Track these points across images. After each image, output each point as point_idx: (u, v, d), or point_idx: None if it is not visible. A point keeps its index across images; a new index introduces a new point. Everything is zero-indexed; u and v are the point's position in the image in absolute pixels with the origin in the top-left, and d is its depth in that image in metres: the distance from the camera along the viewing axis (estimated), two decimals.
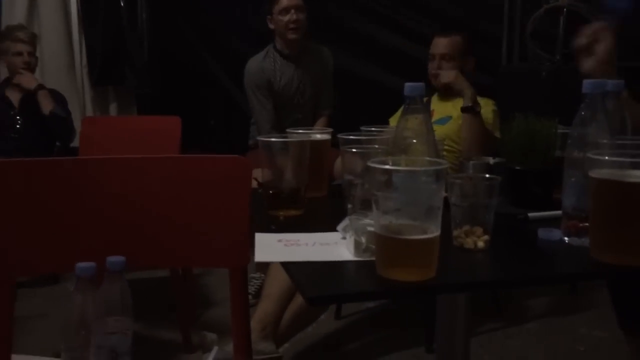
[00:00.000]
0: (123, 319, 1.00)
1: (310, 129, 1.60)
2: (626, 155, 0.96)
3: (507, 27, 3.31)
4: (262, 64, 2.69)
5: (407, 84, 1.09)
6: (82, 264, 0.99)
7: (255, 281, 2.65)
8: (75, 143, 2.77)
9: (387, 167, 0.88)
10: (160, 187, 1.20)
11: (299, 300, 2.09)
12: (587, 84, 1.05)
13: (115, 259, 1.00)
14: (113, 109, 3.52)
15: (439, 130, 2.14)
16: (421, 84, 1.10)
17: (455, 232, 1.04)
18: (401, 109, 2.37)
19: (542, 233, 1.08)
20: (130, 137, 2.41)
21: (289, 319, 2.08)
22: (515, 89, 3.09)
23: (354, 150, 1.21)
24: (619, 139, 1.11)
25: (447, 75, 2.29)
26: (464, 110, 2.21)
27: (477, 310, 2.05)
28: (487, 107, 2.30)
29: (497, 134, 2.24)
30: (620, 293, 1.52)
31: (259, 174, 1.45)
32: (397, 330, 2.45)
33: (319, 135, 1.47)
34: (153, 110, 3.51)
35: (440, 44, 2.35)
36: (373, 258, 0.93)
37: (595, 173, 0.95)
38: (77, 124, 2.86)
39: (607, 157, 0.93)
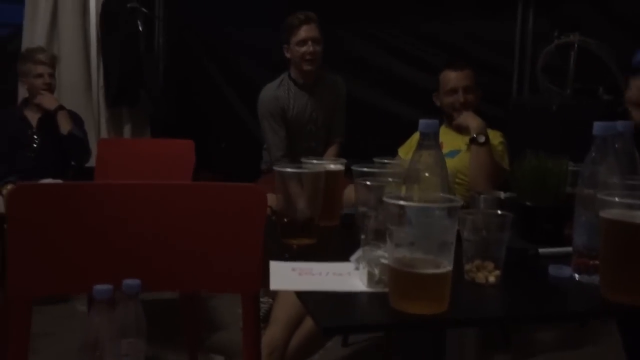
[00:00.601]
0: (136, 342, 1.01)
1: (323, 160, 1.63)
2: (636, 197, 0.98)
3: (519, 60, 3.36)
4: (276, 92, 2.73)
5: (422, 121, 1.12)
6: (99, 286, 1.01)
7: (263, 305, 2.65)
8: (91, 163, 2.81)
9: (402, 203, 0.91)
10: (176, 213, 1.23)
11: (307, 325, 2.10)
12: (597, 127, 1.08)
13: (131, 282, 1.03)
14: (127, 130, 3.57)
15: (449, 164, 2.13)
16: (435, 121, 1.12)
17: (467, 267, 1.06)
18: (410, 139, 2.39)
19: (553, 270, 1.10)
20: (144, 159, 2.45)
21: (296, 345, 2.08)
22: (525, 122, 3.11)
23: (367, 183, 1.23)
24: (630, 179, 1.13)
25: (465, 118, 2.31)
26: (470, 141, 2.23)
27: (486, 343, 2.05)
28: (495, 140, 2.32)
29: (505, 166, 2.26)
30: (630, 333, 1.52)
31: (272, 199, 1.48)
32: None
33: (333, 165, 1.50)
34: (166, 132, 3.56)
35: (460, 77, 2.37)
36: (386, 290, 0.95)
37: (606, 213, 0.97)
38: (93, 145, 2.90)
39: (617, 199, 0.95)
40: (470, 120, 2.26)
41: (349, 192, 1.56)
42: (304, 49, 2.62)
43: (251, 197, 1.23)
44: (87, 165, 2.94)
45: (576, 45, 3.05)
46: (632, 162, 1.25)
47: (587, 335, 2.67)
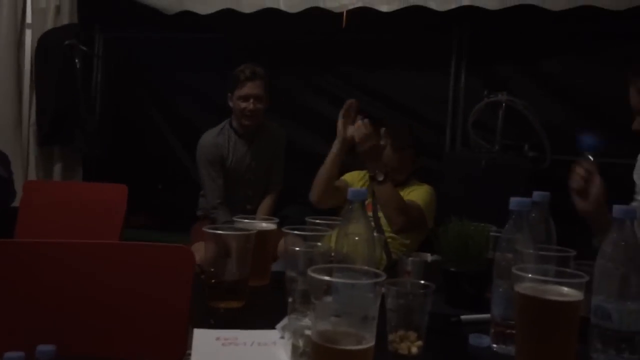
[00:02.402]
0: None
1: (255, 218, 1.63)
2: (548, 271, 1.04)
3: (452, 115, 3.49)
4: (216, 139, 2.73)
5: (351, 190, 1.15)
6: (9, 354, 0.96)
7: None
8: (16, 203, 2.69)
9: (326, 278, 0.92)
10: (98, 274, 1.19)
11: None
12: (513, 202, 1.14)
13: (44, 348, 0.98)
14: (58, 170, 3.45)
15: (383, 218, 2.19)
16: (364, 190, 1.16)
17: (390, 337, 1.08)
18: (355, 172, 2.28)
19: (473, 339, 1.13)
20: (73, 203, 2.36)
21: None
22: (458, 174, 3.23)
23: (297, 249, 1.24)
24: (544, 249, 1.20)
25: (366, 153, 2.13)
26: (371, 179, 2.17)
27: None
28: (421, 189, 2.36)
29: (427, 214, 2.28)
30: None
31: (202, 248, 1.44)
32: None
33: (265, 224, 1.50)
34: (99, 172, 3.46)
35: (389, 132, 2.40)
36: None
37: (520, 287, 1.01)
38: (19, 184, 2.78)
39: (530, 274, 1.00)
40: (369, 157, 2.10)
41: (283, 245, 1.56)
42: (244, 105, 2.64)
43: (178, 258, 1.21)
44: (14, 204, 2.81)
45: (504, 104, 3.21)
46: (548, 232, 1.32)
47: None
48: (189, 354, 2.37)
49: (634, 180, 1.77)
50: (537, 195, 1.31)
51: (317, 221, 1.48)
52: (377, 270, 0.98)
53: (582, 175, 1.51)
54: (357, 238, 1.14)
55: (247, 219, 1.54)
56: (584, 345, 1.05)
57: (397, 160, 2.34)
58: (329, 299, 0.93)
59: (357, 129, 2.03)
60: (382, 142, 2.11)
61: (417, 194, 2.31)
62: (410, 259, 1.46)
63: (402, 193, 2.32)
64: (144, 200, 2.99)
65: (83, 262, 1.18)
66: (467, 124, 3.29)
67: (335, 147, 2.16)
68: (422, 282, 1.10)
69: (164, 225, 3.44)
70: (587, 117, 3.10)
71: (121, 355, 1.14)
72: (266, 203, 2.78)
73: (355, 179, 2.43)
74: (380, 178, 2.07)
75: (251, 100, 2.64)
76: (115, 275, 1.18)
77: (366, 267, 1.03)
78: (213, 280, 1.28)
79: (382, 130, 2.13)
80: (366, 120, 2.05)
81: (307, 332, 0.99)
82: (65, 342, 1.05)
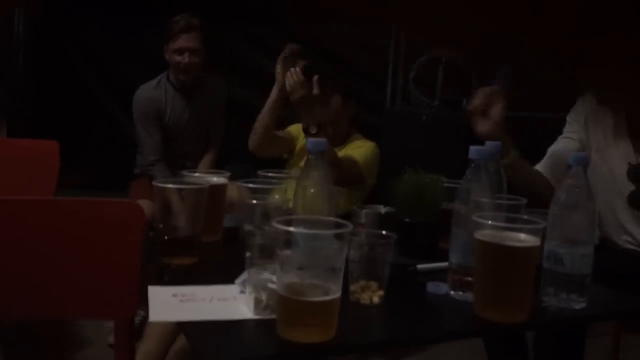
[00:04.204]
0: None
1: (204, 172, 1.57)
2: (507, 219, 1.05)
3: (392, 71, 3.50)
4: (153, 93, 2.60)
5: (310, 140, 1.11)
6: None
7: (136, 318, 2.51)
8: None
9: (290, 229, 0.89)
10: (40, 233, 1.12)
11: (183, 340, 2.02)
12: (473, 151, 1.15)
13: None
14: None
15: None
16: (323, 140, 1.13)
17: (352, 287, 1.07)
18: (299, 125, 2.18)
19: (431, 287, 1.15)
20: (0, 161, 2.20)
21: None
22: (399, 130, 3.26)
23: (254, 202, 1.20)
24: (498, 198, 1.22)
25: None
26: (304, 132, 2.11)
27: None
28: (363, 146, 2.32)
29: (366, 171, 2.24)
30: (495, 352, 1.65)
31: (146, 206, 1.36)
32: None
33: (216, 179, 1.45)
34: (26, 131, 3.24)
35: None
36: (273, 316, 0.93)
37: (480, 235, 1.02)
38: None
39: (490, 221, 1.01)
40: (301, 107, 2.04)
41: (232, 192, 1.51)
42: (179, 58, 2.52)
43: (127, 213, 1.15)
44: None
45: (444, 60, 3.24)
46: (500, 182, 1.34)
47: None
48: (142, 315, 2.32)
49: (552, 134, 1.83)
50: (490, 144, 1.33)
51: (270, 174, 1.44)
52: (341, 221, 0.96)
53: (484, 96, 1.52)
54: (317, 189, 1.12)
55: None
56: (535, 289, 1.08)
57: (330, 111, 2.25)
58: (293, 251, 0.90)
59: (287, 77, 1.98)
60: (315, 92, 2.02)
61: (359, 151, 2.29)
62: (363, 211, 1.45)
63: (345, 149, 2.31)
64: (75, 158, 2.84)
65: (23, 219, 1.11)
66: (408, 79, 3.31)
67: (273, 93, 2.11)
68: (384, 232, 1.10)
69: (99, 184, 3.28)
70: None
71: (71, 316, 1.08)
72: (207, 159, 2.70)
73: (300, 132, 2.38)
74: (313, 131, 2.01)
75: (186, 54, 2.52)
76: (62, 234, 1.11)
77: (330, 218, 1.01)
78: (166, 237, 1.23)
79: (315, 78, 2.02)
80: (298, 69, 2.00)
81: (271, 285, 0.97)
82: (8, 306, 0.98)
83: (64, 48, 3.49)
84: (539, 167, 1.77)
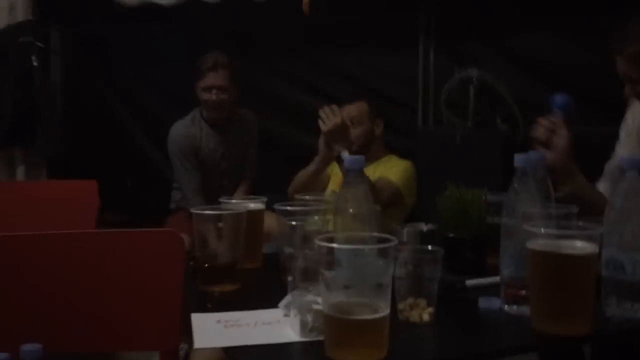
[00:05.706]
0: None
1: (241, 199, 1.56)
2: (560, 227, 1.00)
3: (422, 94, 3.47)
4: (188, 130, 2.64)
5: (347, 157, 1.09)
6: None
7: (180, 352, 2.49)
8: None
9: (334, 245, 0.86)
10: (81, 266, 1.12)
11: None
12: (519, 159, 1.10)
13: (30, 348, 0.91)
14: (20, 172, 3.29)
15: None
16: (361, 157, 1.10)
17: (400, 306, 1.03)
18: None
19: (483, 303, 1.10)
20: (41, 204, 2.24)
21: None
22: (432, 151, 3.21)
23: (293, 223, 1.18)
24: (547, 208, 1.16)
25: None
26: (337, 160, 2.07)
27: None
28: (400, 166, 2.31)
29: (404, 190, 2.24)
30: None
31: (185, 241, 1.36)
32: None
33: (253, 205, 1.43)
34: (65, 173, 3.32)
35: (348, 110, 2.34)
36: (320, 337, 0.90)
37: (533, 244, 0.97)
38: None
39: (543, 230, 0.96)
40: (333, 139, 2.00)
41: (269, 222, 1.49)
42: (207, 96, 2.56)
43: (167, 243, 1.14)
44: None
45: (474, 79, 3.20)
46: (547, 191, 1.29)
47: None
48: (186, 348, 2.29)
49: (607, 149, 1.76)
50: (534, 154, 1.28)
51: (307, 197, 1.42)
52: (385, 235, 0.93)
53: (546, 126, 1.47)
54: (357, 208, 1.09)
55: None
56: (596, 300, 1.02)
57: (357, 135, 2.25)
58: (336, 270, 0.87)
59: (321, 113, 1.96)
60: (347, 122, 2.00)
61: (394, 171, 2.27)
62: (405, 229, 1.42)
63: (380, 168, 2.29)
64: (112, 197, 2.87)
65: (65, 254, 1.10)
66: (439, 102, 3.28)
67: (316, 163, 2.09)
68: (431, 247, 1.06)
69: (136, 222, 3.31)
70: (557, 87, 3.11)
71: (114, 348, 1.06)
72: (241, 190, 2.71)
73: (334, 166, 2.37)
74: (346, 154, 1.91)
75: (214, 91, 2.54)
76: (102, 266, 1.11)
77: (373, 234, 0.98)
78: (206, 265, 1.21)
79: (334, 108, 1.98)
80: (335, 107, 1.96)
81: (316, 306, 0.94)
82: (52, 340, 0.97)
83: (98, 89, 3.59)
84: (600, 187, 1.70)
